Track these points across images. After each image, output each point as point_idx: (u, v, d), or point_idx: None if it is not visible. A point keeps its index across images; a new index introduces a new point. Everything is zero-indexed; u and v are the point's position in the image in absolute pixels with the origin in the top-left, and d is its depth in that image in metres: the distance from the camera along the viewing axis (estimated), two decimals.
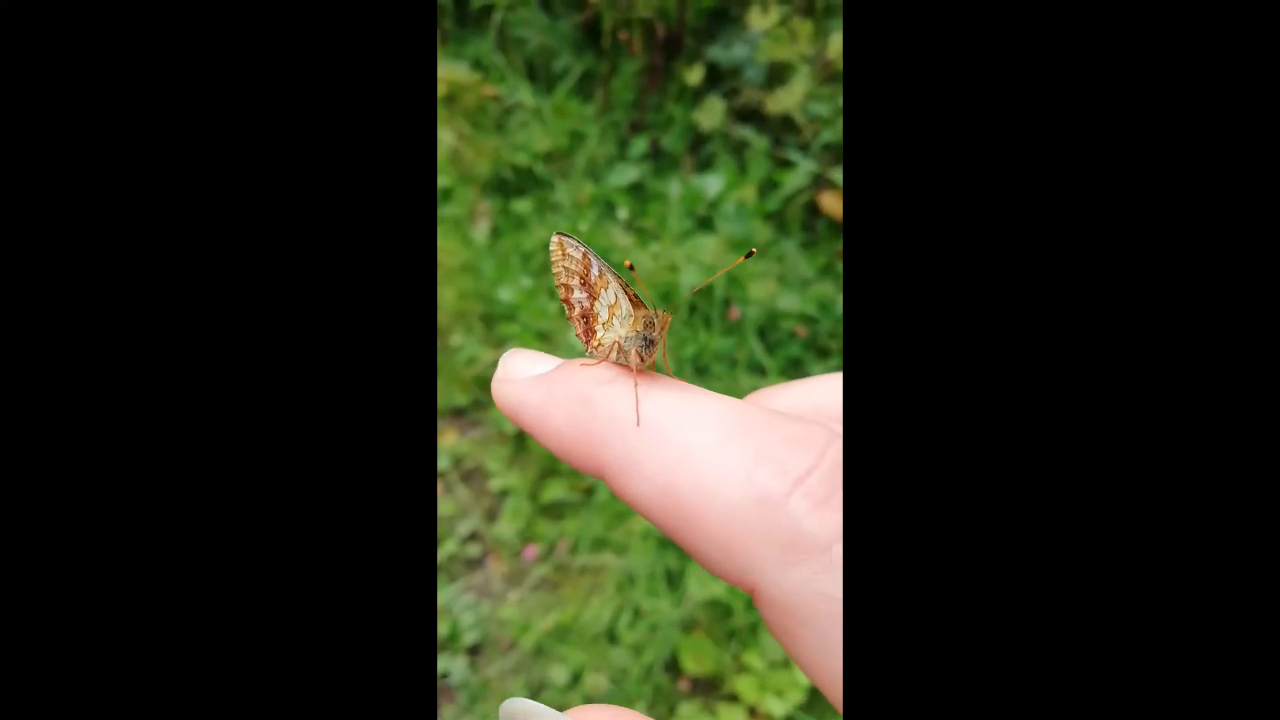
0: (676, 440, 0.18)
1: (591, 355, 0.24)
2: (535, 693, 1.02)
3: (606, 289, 0.24)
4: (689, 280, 1.17)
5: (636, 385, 0.19)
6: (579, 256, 0.24)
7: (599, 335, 0.24)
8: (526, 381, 0.21)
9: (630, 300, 0.23)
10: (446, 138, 1.34)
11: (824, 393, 0.23)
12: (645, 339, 0.22)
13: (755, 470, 0.17)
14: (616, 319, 0.23)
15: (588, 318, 0.24)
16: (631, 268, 0.23)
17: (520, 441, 1.16)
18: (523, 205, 1.34)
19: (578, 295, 0.25)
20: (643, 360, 0.22)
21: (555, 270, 0.25)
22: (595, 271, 0.24)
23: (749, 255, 0.24)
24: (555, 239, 0.25)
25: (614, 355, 0.23)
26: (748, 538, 0.16)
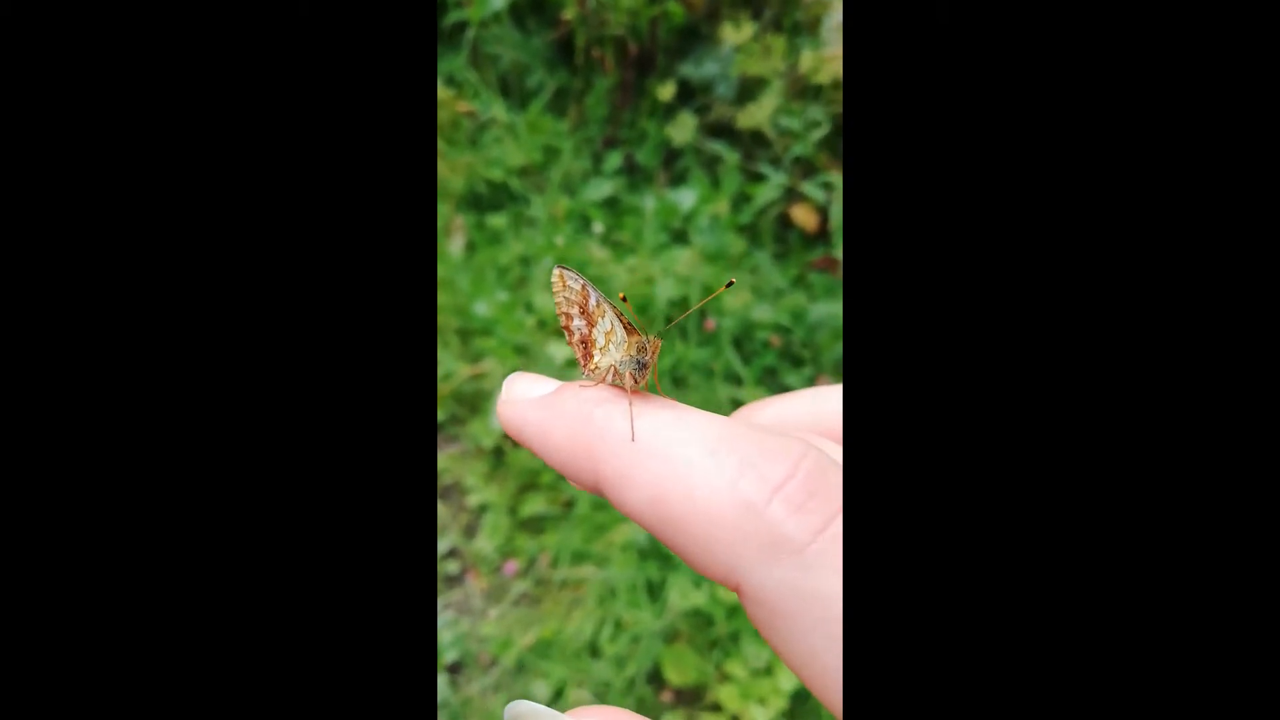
0: (668, 453, 0.19)
1: (588, 378, 0.25)
2: None
3: (603, 317, 0.25)
4: (665, 293, 1.19)
5: (631, 404, 0.20)
6: (578, 288, 0.26)
7: (596, 359, 0.25)
8: (529, 402, 0.22)
9: (624, 327, 0.25)
10: None
11: (802, 407, 0.25)
12: (638, 362, 0.24)
13: (738, 479, 0.18)
14: (612, 344, 0.25)
15: (586, 343, 0.26)
16: (625, 299, 0.24)
17: (498, 456, 1.16)
18: (498, 220, 1.34)
19: (577, 323, 0.26)
20: (636, 382, 0.24)
21: (556, 300, 0.26)
22: (593, 301, 0.25)
23: (729, 285, 0.25)
24: (556, 271, 0.26)
25: (609, 378, 0.24)
26: (732, 541, 0.18)
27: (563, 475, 0.22)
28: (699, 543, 0.18)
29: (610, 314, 0.25)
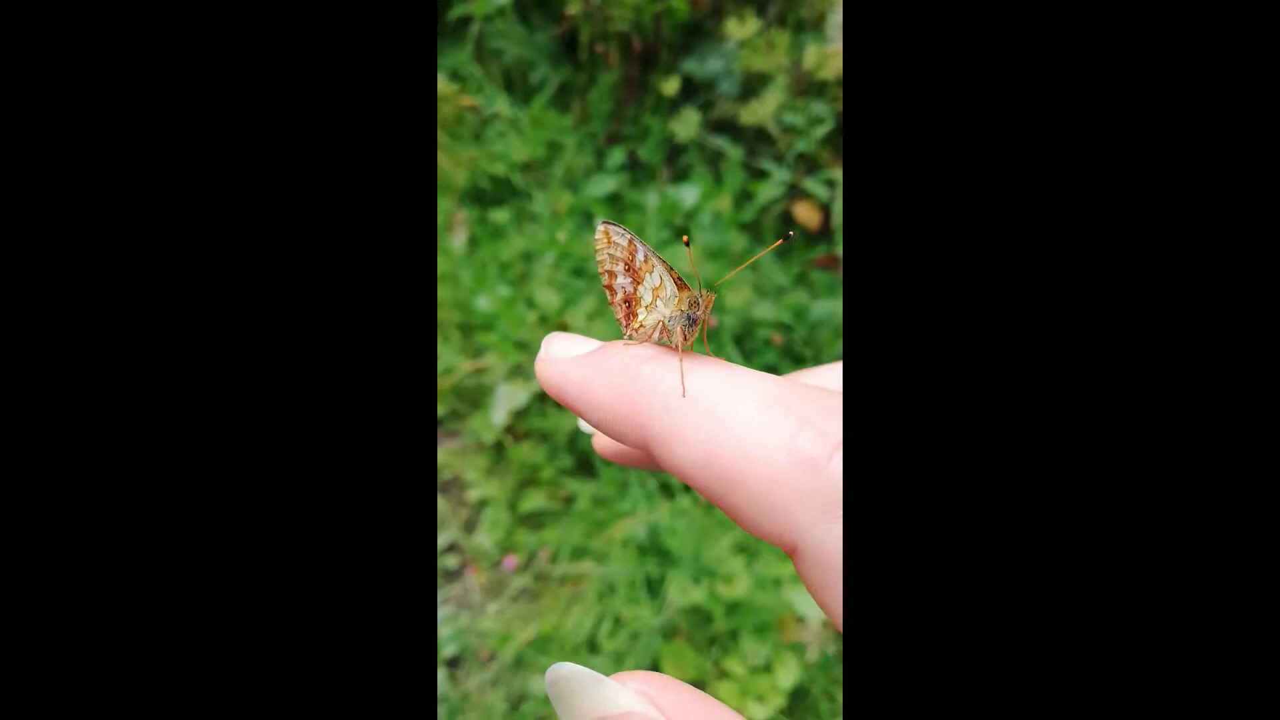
0: (720, 410, 0.19)
1: (631, 337, 0.25)
2: (515, 705, 1.01)
3: (651, 273, 0.25)
4: None
5: (681, 360, 0.20)
6: (624, 244, 0.25)
7: (640, 318, 0.25)
8: (570, 360, 0.22)
9: (675, 282, 0.24)
10: None
11: (838, 377, 0.25)
12: (689, 317, 0.23)
13: (797, 436, 0.18)
14: (660, 300, 0.24)
15: (630, 301, 0.25)
16: (688, 242, 0.24)
17: (498, 451, 1.16)
18: (500, 215, 1.34)
19: (621, 281, 0.25)
20: (686, 338, 0.23)
21: (599, 258, 0.26)
22: (641, 256, 0.25)
23: (788, 238, 0.25)
24: (601, 227, 0.26)
25: (656, 335, 0.24)
26: (790, 498, 0.18)
27: (605, 433, 0.21)
28: (753, 501, 0.18)
29: (660, 268, 0.24)
